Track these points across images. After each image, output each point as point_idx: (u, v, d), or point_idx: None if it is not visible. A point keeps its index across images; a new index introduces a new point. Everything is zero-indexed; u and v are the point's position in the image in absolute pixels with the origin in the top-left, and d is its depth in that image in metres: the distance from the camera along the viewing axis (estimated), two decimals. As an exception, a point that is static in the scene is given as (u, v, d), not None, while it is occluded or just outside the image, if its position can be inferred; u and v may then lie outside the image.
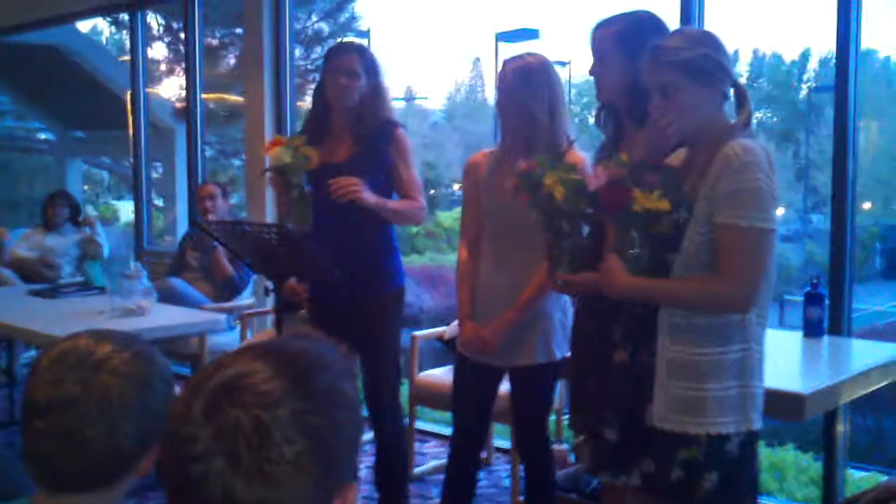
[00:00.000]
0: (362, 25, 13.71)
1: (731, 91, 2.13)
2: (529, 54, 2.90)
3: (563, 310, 2.92)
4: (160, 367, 1.37)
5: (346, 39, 3.43)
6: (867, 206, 24.17)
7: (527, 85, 2.82)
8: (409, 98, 30.25)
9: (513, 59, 2.90)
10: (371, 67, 3.28)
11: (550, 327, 2.92)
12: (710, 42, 2.09)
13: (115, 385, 1.30)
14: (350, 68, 3.23)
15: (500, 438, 4.61)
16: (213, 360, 1.02)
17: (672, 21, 3.94)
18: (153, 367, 1.36)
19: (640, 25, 2.42)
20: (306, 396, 0.95)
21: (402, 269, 3.47)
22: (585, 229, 2.37)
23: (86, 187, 18.51)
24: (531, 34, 18.81)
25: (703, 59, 2.06)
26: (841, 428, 3.50)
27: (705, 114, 2.09)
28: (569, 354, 2.85)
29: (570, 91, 27.37)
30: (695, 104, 2.09)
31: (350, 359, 1.06)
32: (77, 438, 1.28)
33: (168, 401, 1.35)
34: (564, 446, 4.12)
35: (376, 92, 3.30)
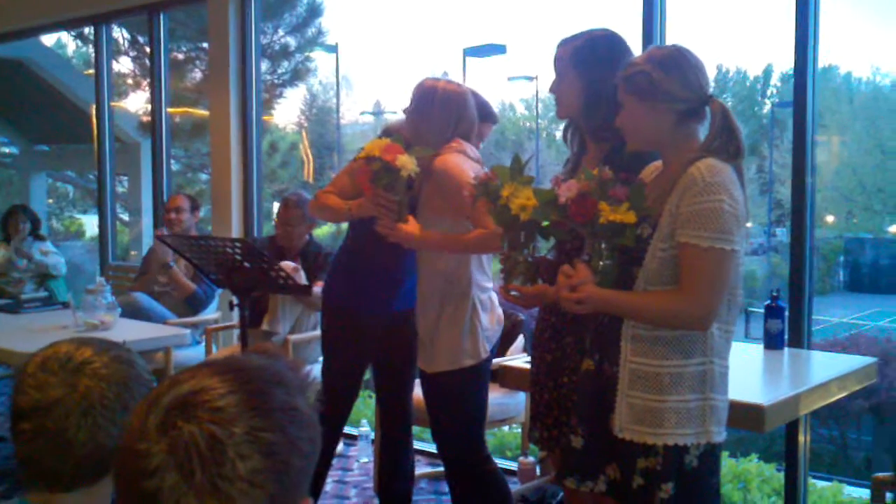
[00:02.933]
0: (330, 40, 13.72)
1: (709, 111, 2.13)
2: (447, 80, 3.03)
3: (470, 318, 2.96)
4: (139, 369, 1.43)
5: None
6: (830, 219, 24.50)
7: (422, 105, 2.98)
8: (378, 112, 30.26)
9: (430, 78, 3.04)
10: None
11: (455, 335, 2.95)
12: (663, 61, 2.12)
13: (96, 387, 1.36)
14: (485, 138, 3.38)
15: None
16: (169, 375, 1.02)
17: (635, 38, 4.01)
18: (132, 369, 1.41)
19: (596, 45, 2.48)
20: (262, 413, 0.96)
21: None
22: (543, 243, 2.41)
23: (50, 201, 18.31)
24: (498, 49, 18.90)
25: (641, 76, 2.11)
26: (802, 438, 3.54)
27: (651, 130, 2.14)
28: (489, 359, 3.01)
29: (537, 106, 27.52)
30: (636, 119, 2.14)
31: (306, 376, 1.06)
32: (61, 439, 1.34)
33: None
34: (531, 459, 4.14)
35: None
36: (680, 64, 2.12)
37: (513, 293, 2.41)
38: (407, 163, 2.75)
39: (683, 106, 2.11)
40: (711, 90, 2.14)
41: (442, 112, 2.96)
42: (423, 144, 2.92)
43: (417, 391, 3.39)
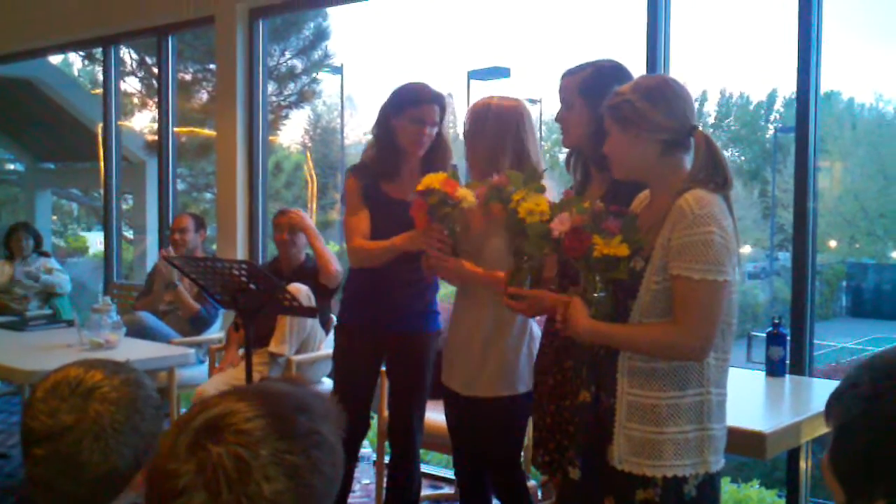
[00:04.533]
0: (336, 62, 13.82)
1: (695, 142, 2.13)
2: (499, 96, 2.95)
3: (528, 345, 2.95)
4: (147, 390, 1.45)
5: (423, 85, 3.37)
6: (833, 244, 24.52)
7: (476, 123, 2.90)
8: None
9: (479, 100, 2.97)
10: (444, 115, 3.28)
11: (513, 360, 2.93)
12: (648, 91, 2.12)
13: (107, 411, 1.38)
14: (433, 120, 3.21)
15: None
16: (199, 399, 1.06)
17: (639, 64, 4.05)
18: (141, 390, 1.44)
19: (603, 75, 2.49)
20: (287, 437, 1.00)
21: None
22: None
23: (54, 217, 18.39)
24: (502, 72, 19.01)
25: (625, 105, 2.11)
26: (804, 465, 3.54)
27: (636, 159, 2.13)
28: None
29: (540, 128, 27.62)
30: (621, 148, 2.14)
31: (332, 404, 1.10)
32: (74, 462, 1.36)
33: (156, 421, 1.43)
34: (532, 482, 4.14)
35: (443, 137, 3.29)
36: (665, 94, 2.11)
37: (514, 298, 2.42)
38: (467, 195, 2.72)
39: (668, 136, 2.10)
40: (696, 120, 2.14)
41: (495, 130, 2.89)
42: (478, 168, 2.88)
43: (431, 416, 3.38)
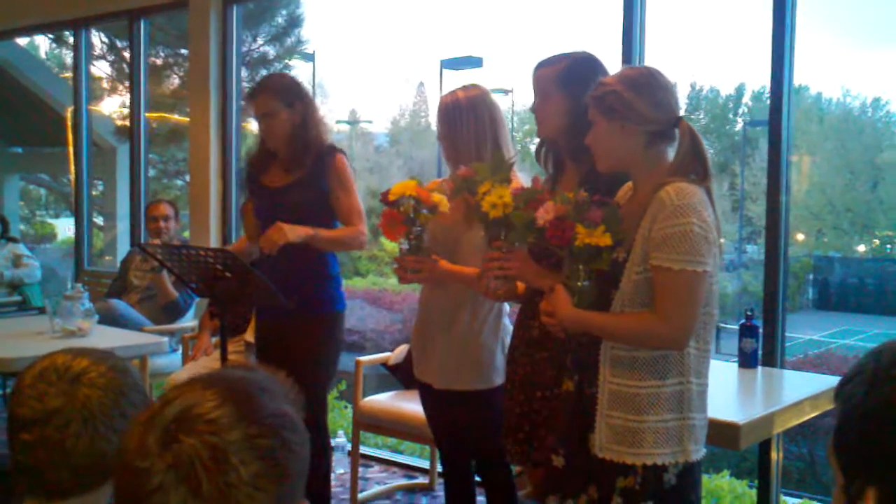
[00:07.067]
0: (308, 49, 13.72)
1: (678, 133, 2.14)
2: (462, 88, 2.96)
3: (502, 338, 2.96)
4: (133, 377, 1.47)
5: (264, 76, 3.47)
6: (800, 237, 24.78)
7: (453, 120, 2.90)
8: (354, 121, 30.26)
9: (447, 94, 2.97)
10: (292, 97, 3.35)
11: (489, 353, 2.94)
12: (634, 81, 2.13)
13: (95, 395, 1.39)
14: (264, 111, 3.34)
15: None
16: (160, 395, 1.06)
17: (615, 55, 4.07)
18: (128, 377, 1.45)
19: (579, 67, 2.50)
20: (255, 420, 1.00)
21: (341, 295, 3.54)
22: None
23: (21, 203, 18.14)
24: (475, 62, 18.98)
25: (612, 95, 2.12)
26: (775, 456, 3.59)
27: (621, 150, 2.15)
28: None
29: (512, 119, 27.63)
30: (606, 139, 2.16)
31: (288, 385, 1.11)
32: (62, 447, 1.36)
33: (143, 407, 1.42)
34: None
35: (305, 119, 3.36)
36: (651, 85, 2.13)
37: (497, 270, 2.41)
38: (442, 200, 2.67)
39: (653, 127, 2.12)
40: (681, 111, 2.15)
41: (474, 125, 2.88)
42: (460, 158, 2.83)
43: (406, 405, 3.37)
